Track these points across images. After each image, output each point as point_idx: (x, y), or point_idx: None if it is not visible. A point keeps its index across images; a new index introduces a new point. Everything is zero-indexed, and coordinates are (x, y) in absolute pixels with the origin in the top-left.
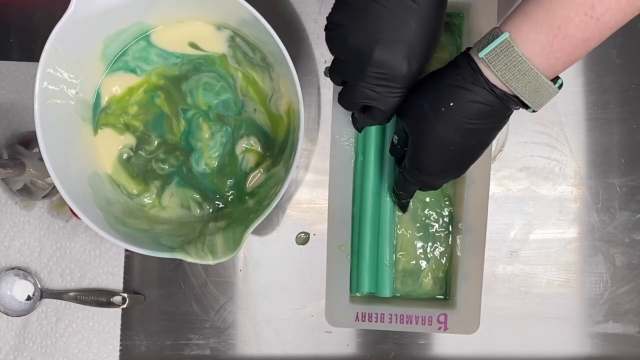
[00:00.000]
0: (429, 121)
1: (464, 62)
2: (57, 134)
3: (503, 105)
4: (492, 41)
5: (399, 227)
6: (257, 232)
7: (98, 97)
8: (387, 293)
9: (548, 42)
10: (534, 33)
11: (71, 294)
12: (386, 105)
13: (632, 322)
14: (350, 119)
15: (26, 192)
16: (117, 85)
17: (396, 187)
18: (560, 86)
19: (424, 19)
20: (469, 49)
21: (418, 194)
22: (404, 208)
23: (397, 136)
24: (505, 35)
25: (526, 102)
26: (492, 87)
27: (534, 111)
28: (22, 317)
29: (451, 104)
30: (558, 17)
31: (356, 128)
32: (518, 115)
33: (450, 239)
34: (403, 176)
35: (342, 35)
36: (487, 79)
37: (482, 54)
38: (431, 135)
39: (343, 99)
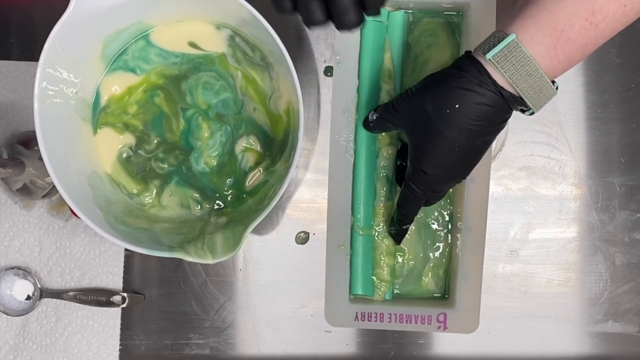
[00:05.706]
0: (433, 123)
1: (469, 64)
2: (57, 133)
3: (507, 107)
4: (498, 43)
5: None
6: (256, 231)
7: (97, 96)
8: (387, 295)
9: (552, 44)
10: (539, 35)
11: (71, 293)
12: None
13: (632, 321)
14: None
15: (26, 192)
16: (116, 85)
17: (399, 206)
18: (557, 88)
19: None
20: (469, 51)
21: None
22: (401, 236)
23: (377, 114)
24: (512, 37)
25: (529, 102)
26: (500, 89)
27: (531, 113)
28: (22, 316)
29: (457, 105)
30: (561, 21)
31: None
32: (518, 115)
33: (450, 238)
34: (408, 187)
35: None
36: (495, 81)
37: (489, 56)
38: (436, 136)
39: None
